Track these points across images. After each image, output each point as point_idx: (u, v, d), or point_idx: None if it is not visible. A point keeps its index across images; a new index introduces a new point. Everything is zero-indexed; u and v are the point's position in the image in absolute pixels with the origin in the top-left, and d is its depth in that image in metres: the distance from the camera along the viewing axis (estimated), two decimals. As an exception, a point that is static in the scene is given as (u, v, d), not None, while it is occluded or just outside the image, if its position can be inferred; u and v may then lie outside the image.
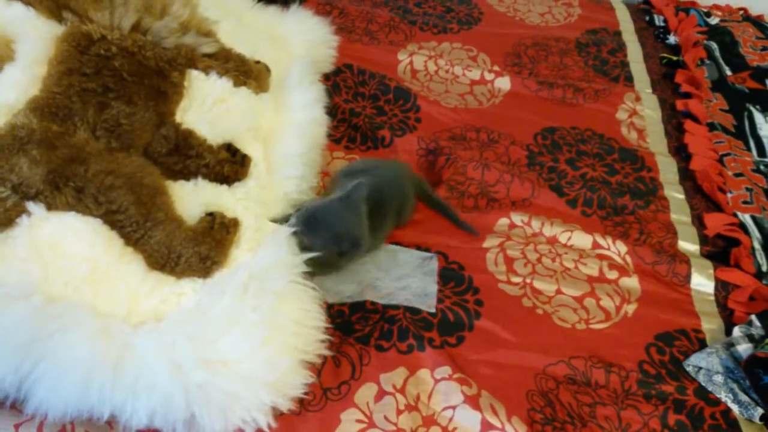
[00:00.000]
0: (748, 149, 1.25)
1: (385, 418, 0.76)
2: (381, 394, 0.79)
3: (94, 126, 0.82)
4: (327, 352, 0.80)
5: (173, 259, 0.76)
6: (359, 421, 0.75)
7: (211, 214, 0.82)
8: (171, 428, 0.70)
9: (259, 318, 0.72)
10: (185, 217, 0.81)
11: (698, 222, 1.11)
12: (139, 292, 0.74)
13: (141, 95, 0.86)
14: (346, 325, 0.87)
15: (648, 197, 1.14)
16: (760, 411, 0.81)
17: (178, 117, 0.91)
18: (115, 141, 0.82)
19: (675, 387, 0.84)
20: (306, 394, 0.76)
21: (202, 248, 0.77)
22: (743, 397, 0.82)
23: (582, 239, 1.05)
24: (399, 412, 0.78)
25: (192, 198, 0.83)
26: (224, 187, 0.87)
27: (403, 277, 0.94)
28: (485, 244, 1.02)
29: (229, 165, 0.88)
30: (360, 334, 0.86)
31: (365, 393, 0.79)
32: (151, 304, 0.74)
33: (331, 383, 0.79)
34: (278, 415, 0.74)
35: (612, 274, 1.00)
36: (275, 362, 0.72)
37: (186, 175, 0.85)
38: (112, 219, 0.76)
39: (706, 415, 0.82)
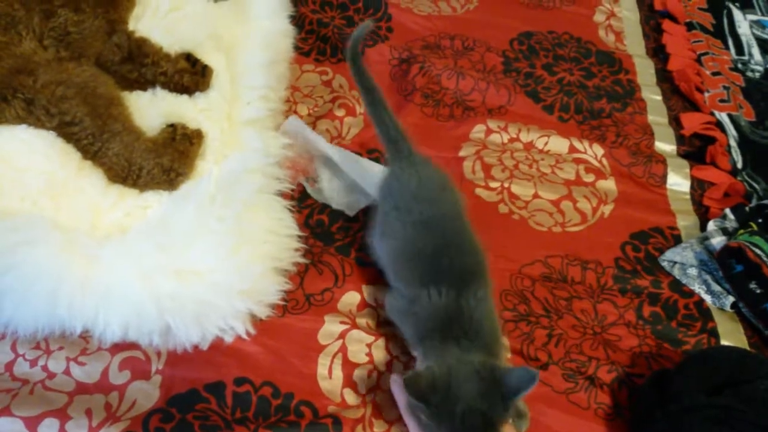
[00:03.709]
0: (727, 48, 1.23)
1: (367, 324, 0.77)
2: (363, 304, 0.79)
3: (41, 35, 0.77)
4: (303, 260, 0.79)
5: (134, 172, 0.73)
6: (343, 322, 0.75)
7: (172, 126, 0.79)
8: (147, 340, 0.69)
9: (226, 227, 0.70)
10: (145, 129, 0.77)
11: (675, 122, 1.09)
12: (102, 206, 0.71)
13: (89, 2, 0.80)
14: (326, 235, 0.86)
15: (625, 100, 1.12)
16: (731, 299, 0.82)
17: (131, 25, 0.85)
18: (65, 50, 0.77)
19: (650, 281, 0.85)
20: (287, 300, 0.76)
21: (164, 159, 0.74)
22: (716, 288, 0.84)
23: (559, 144, 1.03)
24: (379, 324, 0.78)
25: (150, 109, 0.79)
26: (185, 97, 0.83)
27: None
28: (462, 153, 1.00)
29: (188, 75, 0.83)
30: (341, 243, 0.85)
31: (348, 300, 0.79)
32: (115, 218, 0.71)
33: (314, 290, 0.79)
34: (258, 321, 0.73)
35: (588, 177, 0.99)
36: (247, 270, 0.70)
37: (142, 84, 0.81)
38: (66, 131, 0.72)
39: (680, 306, 0.83)
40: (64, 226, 0.68)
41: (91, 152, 0.72)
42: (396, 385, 0.67)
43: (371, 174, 0.90)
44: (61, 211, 0.69)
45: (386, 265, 0.73)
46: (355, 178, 0.90)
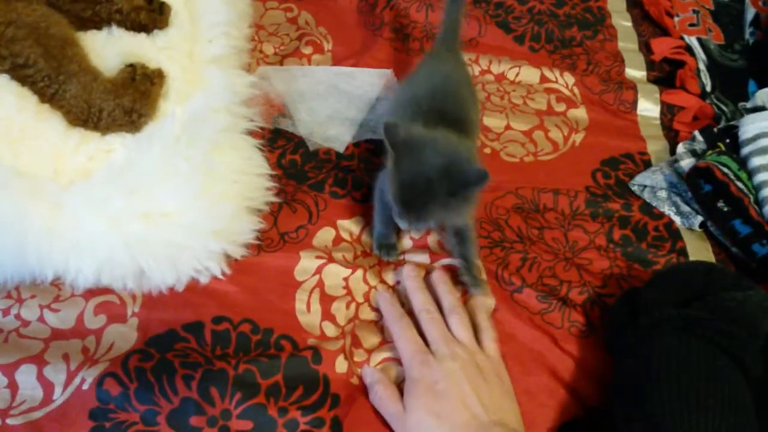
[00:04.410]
0: (697, -29, 1.21)
1: (344, 257, 0.77)
2: (339, 239, 0.79)
3: (-16, -25, 0.73)
4: (276, 199, 0.78)
5: (95, 114, 0.70)
6: (319, 257, 0.75)
7: (131, 66, 0.76)
8: (121, 284, 0.68)
9: (193, 167, 0.69)
10: (103, 70, 0.74)
11: (645, 48, 1.09)
12: (63, 151, 0.69)
13: (33, -63, 0.76)
14: (299, 174, 0.85)
15: (596, 27, 1.11)
16: (699, 219, 0.84)
17: (81, -38, 0.81)
18: (11, -10, 0.73)
19: (620, 205, 0.86)
20: (261, 239, 0.75)
21: (125, 100, 0.72)
22: (685, 208, 0.85)
23: (530, 74, 1.02)
24: (356, 256, 0.78)
25: (107, 49, 0.76)
26: (143, 36, 0.80)
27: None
28: (432, 87, 0.99)
29: (145, 12, 0.80)
30: (314, 181, 0.84)
31: (323, 236, 0.78)
32: (79, 162, 0.69)
33: (288, 228, 0.78)
34: (233, 261, 0.73)
35: (560, 107, 0.99)
36: (217, 210, 0.70)
37: (97, 23, 0.78)
38: (20, 74, 0.69)
39: (650, 228, 0.85)
40: (25, 173, 0.66)
41: (47, 95, 0.70)
42: (382, 299, 0.72)
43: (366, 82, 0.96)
44: (21, 158, 0.67)
45: None
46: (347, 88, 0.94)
